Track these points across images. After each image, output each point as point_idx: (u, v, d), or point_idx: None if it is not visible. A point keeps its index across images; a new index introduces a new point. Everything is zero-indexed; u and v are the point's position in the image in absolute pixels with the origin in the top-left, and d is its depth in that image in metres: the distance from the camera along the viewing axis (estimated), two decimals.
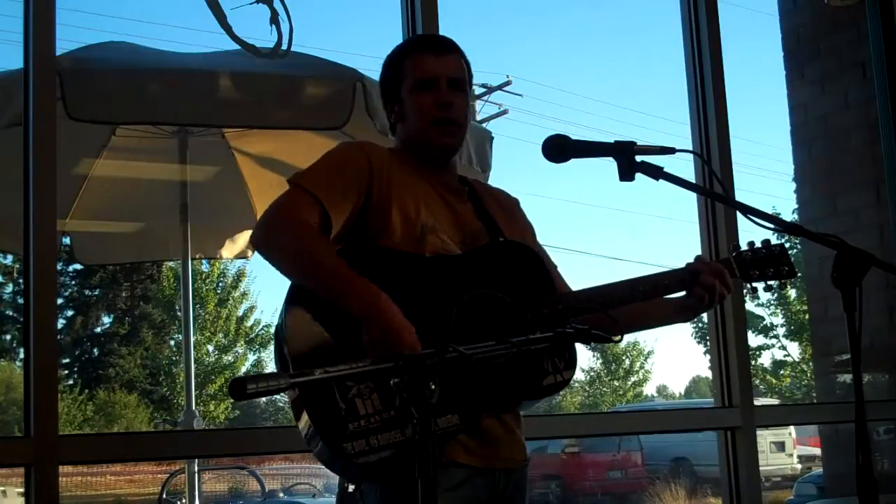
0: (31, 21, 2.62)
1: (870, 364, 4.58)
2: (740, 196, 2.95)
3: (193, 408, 4.77)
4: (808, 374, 22.05)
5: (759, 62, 29.90)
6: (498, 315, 1.94)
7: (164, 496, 7.55)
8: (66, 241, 5.03)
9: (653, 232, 44.40)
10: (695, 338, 25.65)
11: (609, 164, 1.84)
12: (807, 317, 17.09)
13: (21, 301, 20.41)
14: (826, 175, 5.06)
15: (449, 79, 2.04)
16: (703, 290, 2.10)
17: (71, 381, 26.29)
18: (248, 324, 24.76)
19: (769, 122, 38.31)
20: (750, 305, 21.58)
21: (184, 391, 7.43)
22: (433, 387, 1.41)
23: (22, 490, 2.82)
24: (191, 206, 4.61)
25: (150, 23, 34.70)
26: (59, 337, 9.97)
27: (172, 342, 26.55)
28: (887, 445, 4.60)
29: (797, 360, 23.20)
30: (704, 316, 2.65)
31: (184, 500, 6.18)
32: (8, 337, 25.85)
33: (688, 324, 2.53)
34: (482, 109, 22.84)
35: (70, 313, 27.26)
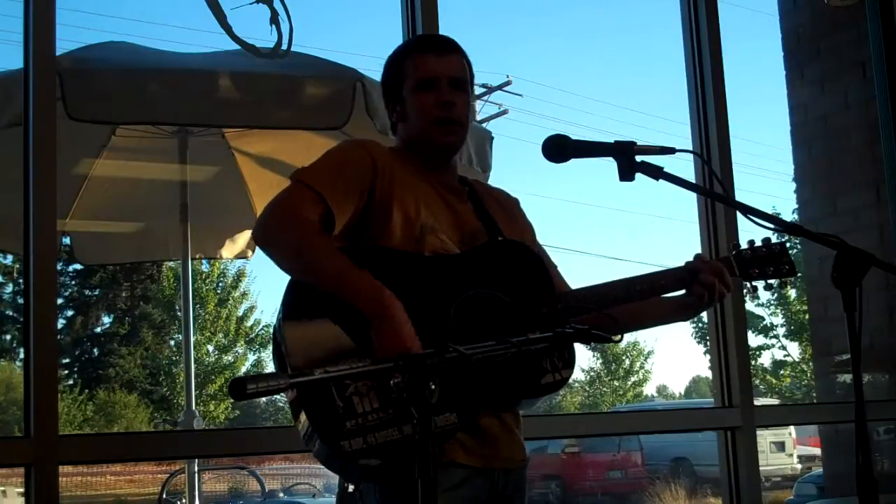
0: (31, 21, 2.62)
1: (870, 364, 4.58)
2: (740, 196, 2.96)
3: (193, 408, 4.77)
4: (808, 374, 22.06)
5: (759, 62, 29.93)
6: (497, 314, 1.94)
7: (164, 496, 7.55)
8: (66, 241, 5.03)
9: (653, 232, 44.43)
10: (695, 338, 25.68)
11: (609, 164, 1.84)
12: (807, 317, 17.09)
13: (21, 301, 20.41)
14: (826, 175, 5.06)
15: (450, 79, 2.04)
16: (702, 289, 2.10)
17: (71, 381, 26.29)
18: (248, 324, 24.77)
19: (769, 122, 38.34)
20: (750, 305, 21.62)
21: (184, 391, 7.43)
22: (433, 387, 1.41)
23: (22, 490, 2.82)
24: (191, 206, 4.61)
25: (150, 23, 34.74)
26: (59, 337, 9.97)
27: (172, 342, 26.57)
28: (887, 445, 4.60)
29: (797, 360, 23.21)
30: (704, 316, 2.66)
31: (184, 500, 6.18)
32: (8, 337, 25.87)
33: (688, 324, 2.53)
34: (482, 109, 22.84)
35: (70, 313, 27.27)
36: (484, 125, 16.27)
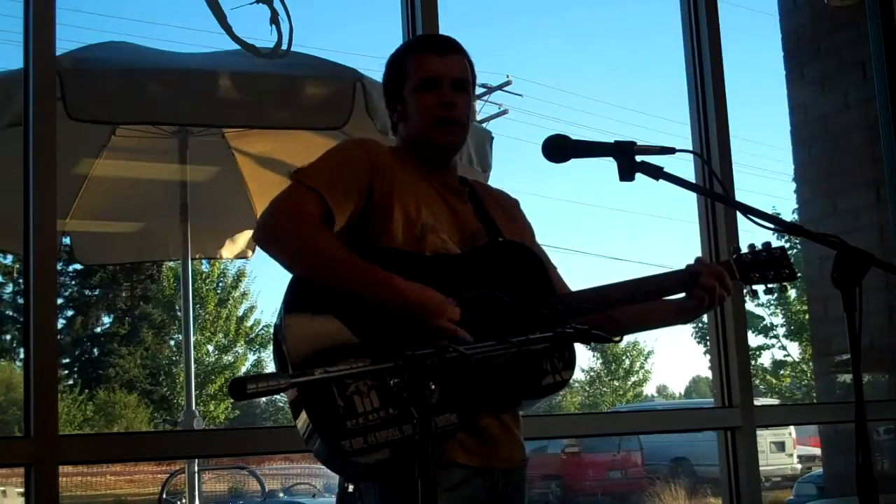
0: (31, 21, 2.62)
1: (870, 364, 4.57)
2: (740, 196, 2.96)
3: (193, 408, 4.77)
4: (808, 374, 22.06)
5: (759, 62, 29.91)
6: (497, 315, 1.94)
7: (164, 496, 7.55)
8: (66, 241, 5.03)
9: (653, 232, 44.45)
10: (695, 338, 25.67)
11: (609, 164, 1.84)
12: (807, 317, 17.09)
13: (21, 301, 20.41)
14: (826, 175, 5.06)
15: (452, 79, 2.04)
16: (702, 292, 2.10)
17: (71, 381, 26.29)
18: (248, 324, 24.77)
19: (769, 122, 38.32)
20: (750, 305, 21.59)
21: (184, 391, 7.43)
22: (433, 387, 1.41)
23: (22, 490, 2.82)
24: (191, 206, 4.61)
25: (150, 23, 34.73)
26: (59, 337, 9.97)
27: (172, 342, 26.57)
28: (887, 445, 4.60)
29: (797, 360, 23.21)
30: (704, 316, 2.65)
31: (184, 500, 6.18)
32: (8, 337, 25.87)
33: (688, 324, 2.51)
34: (482, 109, 22.84)
35: (70, 313, 27.27)
36: (484, 125, 16.27)
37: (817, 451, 14.02)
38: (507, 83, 23.87)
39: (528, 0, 46.09)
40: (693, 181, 2.41)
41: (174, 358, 25.24)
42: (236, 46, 3.28)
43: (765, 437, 15.67)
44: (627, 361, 30.06)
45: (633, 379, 30.21)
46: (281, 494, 12.86)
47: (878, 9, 4.50)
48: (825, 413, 4.59)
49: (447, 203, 2.07)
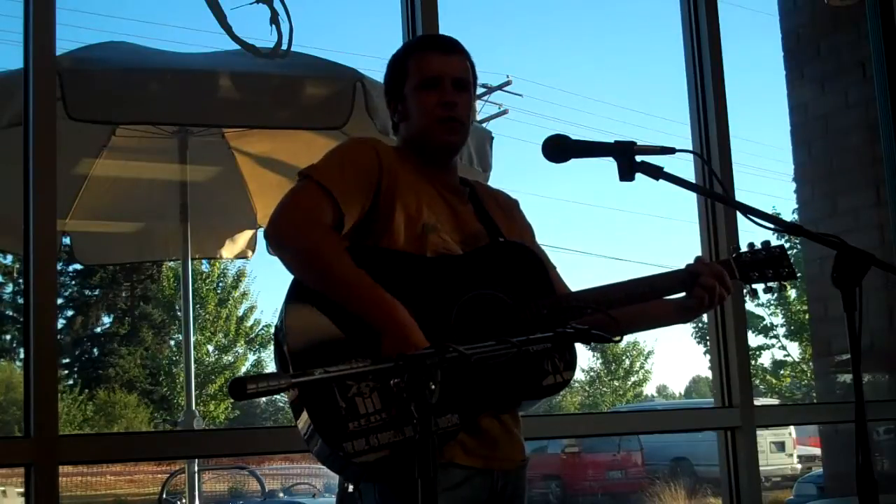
0: (31, 21, 2.62)
1: (870, 364, 4.58)
2: (740, 196, 2.96)
3: (193, 408, 4.77)
4: (808, 374, 22.06)
5: (759, 62, 29.89)
6: (498, 315, 1.94)
7: (164, 496, 7.56)
8: (66, 241, 5.03)
9: (653, 232, 44.42)
10: (695, 338, 25.70)
11: (609, 164, 1.84)
12: (807, 317, 17.09)
13: (21, 301, 20.41)
14: (826, 175, 5.06)
15: (454, 79, 2.05)
16: (702, 292, 2.10)
17: (71, 381, 26.29)
18: (248, 324, 24.77)
19: (769, 122, 38.26)
20: (750, 305, 21.59)
21: (184, 391, 7.43)
22: (433, 387, 1.41)
23: (22, 490, 2.82)
24: (191, 206, 4.61)
25: (150, 23, 34.75)
26: (59, 337, 9.96)
27: (172, 342, 26.58)
28: (887, 445, 4.60)
29: (797, 360, 23.20)
30: (704, 316, 2.65)
31: (184, 500, 6.19)
32: (8, 337, 25.87)
33: (688, 324, 2.52)
34: (482, 109, 22.81)
35: (70, 313, 27.28)
36: (484, 125, 16.26)
37: (817, 451, 14.02)
38: (507, 83, 23.89)
39: (528, 0, 46.14)
40: (693, 181, 2.41)
41: (174, 358, 25.24)
42: (236, 46, 3.28)
43: (765, 437, 15.68)
44: (627, 361, 30.06)
45: (633, 379, 30.21)
46: (281, 494, 12.86)
47: (878, 9, 4.50)
48: (825, 413, 4.58)
49: (448, 203, 2.07)
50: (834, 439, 5.13)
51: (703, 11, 3.87)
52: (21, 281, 13.55)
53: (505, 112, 23.73)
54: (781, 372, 23.65)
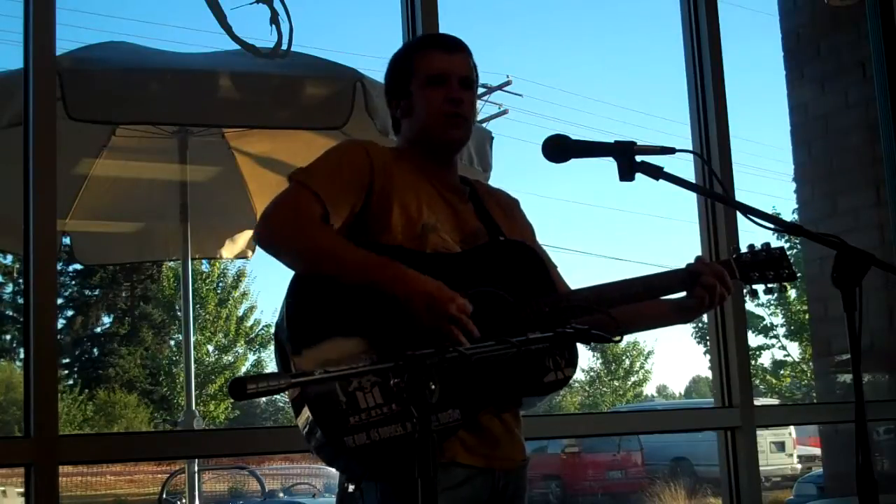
0: (31, 21, 2.62)
1: (870, 364, 4.58)
2: (740, 196, 2.96)
3: (193, 408, 4.77)
4: (808, 374, 22.05)
5: (759, 62, 29.87)
6: (499, 313, 1.94)
7: (164, 496, 7.56)
8: (66, 241, 5.03)
9: (653, 232, 44.40)
10: (695, 338, 25.67)
11: (609, 164, 1.84)
12: (807, 317, 17.09)
13: (21, 301, 20.41)
14: (826, 175, 5.06)
15: (460, 77, 2.06)
16: (703, 291, 2.10)
17: (71, 381, 26.29)
18: (248, 324, 24.76)
19: (769, 122, 38.21)
20: (750, 305, 21.59)
21: (184, 391, 7.43)
22: (433, 387, 1.41)
23: (22, 490, 2.82)
24: (191, 206, 4.61)
25: (150, 23, 34.73)
26: (59, 337, 9.96)
27: (172, 342, 26.57)
28: (887, 445, 4.60)
29: (797, 360, 23.20)
30: (704, 316, 2.65)
31: (184, 500, 6.19)
32: (8, 337, 25.86)
33: (688, 324, 2.53)
34: (482, 109, 22.79)
35: (70, 313, 27.27)
36: (484, 125, 16.25)
37: (817, 451, 14.02)
38: (507, 83, 23.88)
39: (528, 0, 46.13)
40: (693, 181, 2.41)
41: (174, 358, 25.24)
42: (236, 46, 3.28)
43: (765, 437, 15.68)
44: (627, 361, 30.05)
45: (633, 379, 30.20)
46: (281, 494, 12.85)
47: (878, 9, 4.50)
48: (825, 413, 4.59)
49: (448, 203, 2.07)
50: (834, 439, 5.13)
51: (703, 11, 3.87)
52: (21, 281, 13.56)
53: (505, 112, 23.74)
54: (781, 372, 23.65)
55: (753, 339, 22.14)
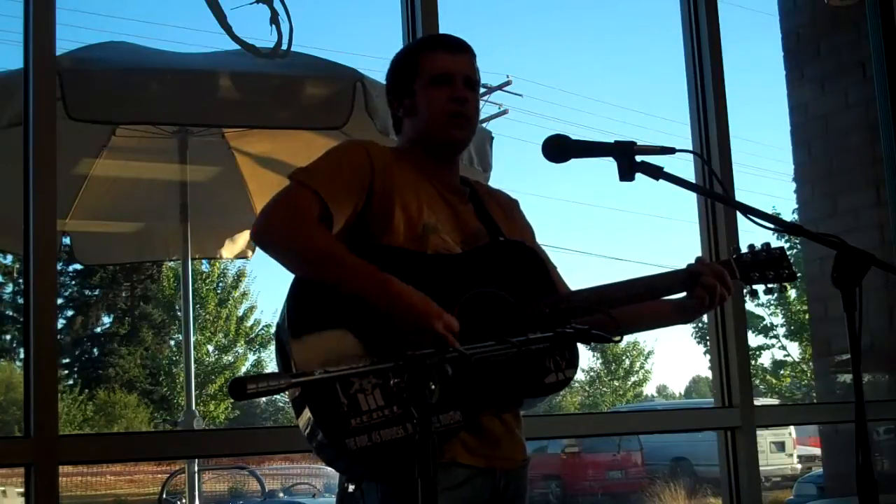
0: (31, 21, 2.62)
1: (870, 364, 4.58)
2: (740, 196, 2.96)
3: (193, 408, 4.77)
4: (808, 374, 22.06)
5: (759, 62, 29.88)
6: (499, 314, 1.94)
7: (164, 496, 7.56)
8: (66, 241, 5.03)
9: (653, 232, 44.41)
10: (695, 338, 25.68)
11: (609, 164, 1.84)
12: (807, 317, 17.09)
13: (21, 301, 20.41)
14: (826, 175, 5.06)
15: (464, 77, 2.06)
16: (703, 292, 2.10)
17: (71, 381, 26.29)
18: (248, 324, 24.77)
19: (769, 122, 38.24)
20: (750, 305, 21.61)
21: (184, 391, 7.44)
22: (433, 387, 1.41)
23: (22, 490, 2.82)
24: (191, 206, 4.61)
25: (150, 23, 34.75)
26: (59, 337, 9.96)
27: (172, 342, 26.57)
28: (887, 445, 4.60)
29: (797, 360, 23.20)
30: (704, 316, 2.65)
31: (184, 500, 6.19)
32: (8, 337, 25.87)
33: (688, 324, 2.54)
34: (482, 109, 22.76)
35: (70, 313, 27.28)
36: (484, 125, 16.24)
37: (817, 451, 14.02)
38: (507, 83, 23.87)
39: (528, 0, 46.13)
40: (693, 181, 2.41)
41: (174, 358, 25.24)
42: (236, 46, 3.28)
43: (765, 437, 15.68)
44: (627, 361, 30.06)
45: (633, 379, 30.21)
46: (281, 494, 12.86)
47: (878, 9, 4.50)
48: (825, 413, 4.59)
49: (448, 203, 2.07)
50: (834, 439, 5.13)
51: (703, 11, 3.87)
52: (21, 281, 13.56)
53: (505, 112, 23.72)
54: (781, 372, 23.65)
55: (753, 339, 22.16)
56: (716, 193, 3.56)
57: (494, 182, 2.79)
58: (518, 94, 25.12)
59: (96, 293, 28.08)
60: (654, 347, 31.90)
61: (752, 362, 8.71)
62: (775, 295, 2.31)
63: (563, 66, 47.07)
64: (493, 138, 4.03)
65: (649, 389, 32.17)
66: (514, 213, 2.24)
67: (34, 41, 2.63)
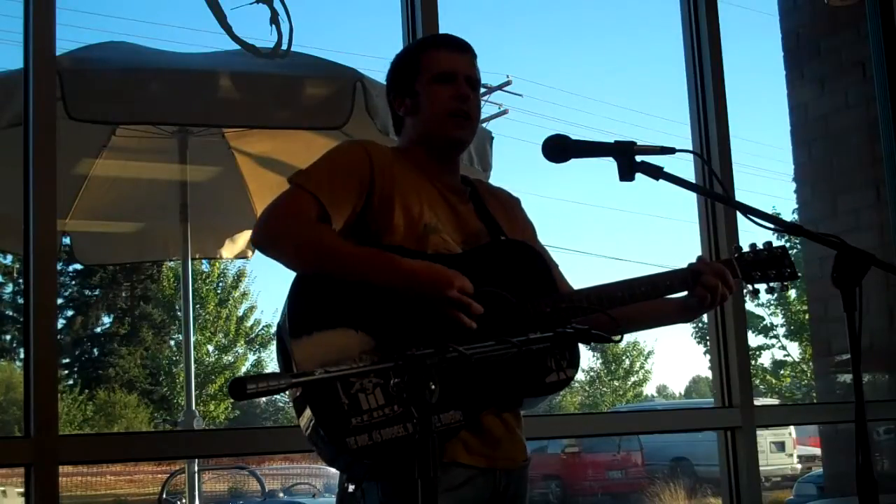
0: (31, 21, 2.62)
1: (870, 364, 4.57)
2: (740, 196, 2.95)
3: (193, 408, 4.77)
4: (808, 374, 22.05)
5: (759, 62, 29.88)
6: (501, 313, 1.94)
7: (164, 496, 7.56)
8: (66, 241, 5.03)
9: (653, 232, 44.40)
10: (695, 338, 25.67)
11: (609, 164, 1.84)
12: (807, 317, 17.09)
13: (21, 301, 20.40)
14: (826, 175, 5.06)
15: (467, 76, 2.07)
16: (705, 291, 2.10)
17: (71, 381, 26.29)
18: (248, 324, 24.77)
19: (769, 122, 38.29)
20: (750, 305, 21.62)
21: (184, 391, 7.43)
22: (433, 387, 1.41)
23: (22, 490, 2.82)
24: (191, 206, 4.61)
25: (150, 23, 34.75)
26: (59, 337, 9.96)
27: (172, 342, 26.57)
28: (887, 445, 4.60)
29: (797, 360, 23.21)
30: (705, 316, 2.66)
31: (184, 500, 6.19)
32: (8, 337, 25.87)
33: (688, 324, 2.56)
34: (482, 109, 22.76)
35: (70, 313, 27.27)
36: (484, 125, 16.22)
37: (817, 451, 14.02)
38: (507, 83, 23.86)
39: (528, 0, 46.13)
40: (693, 181, 2.41)
41: (174, 358, 25.24)
42: (236, 46, 3.28)
43: (765, 437, 15.67)
44: (627, 361, 30.06)
45: (633, 379, 30.21)
46: (281, 494, 12.85)
47: (878, 9, 4.50)
48: (825, 413, 4.59)
49: (449, 203, 2.07)
50: (834, 439, 5.13)
51: (703, 11, 3.87)
52: (21, 281, 13.55)
53: (505, 112, 23.72)
54: (781, 372, 23.66)
55: (753, 339, 22.16)
56: (716, 193, 3.56)
57: (494, 182, 2.79)
58: (518, 94, 25.15)
59: (96, 293, 28.07)
60: (654, 347, 31.99)
61: (752, 362, 8.71)
62: (776, 294, 2.30)
63: (563, 66, 47.09)
64: (493, 138, 4.03)
65: (649, 389, 32.20)
66: (516, 211, 2.24)
67: (34, 41, 2.62)
